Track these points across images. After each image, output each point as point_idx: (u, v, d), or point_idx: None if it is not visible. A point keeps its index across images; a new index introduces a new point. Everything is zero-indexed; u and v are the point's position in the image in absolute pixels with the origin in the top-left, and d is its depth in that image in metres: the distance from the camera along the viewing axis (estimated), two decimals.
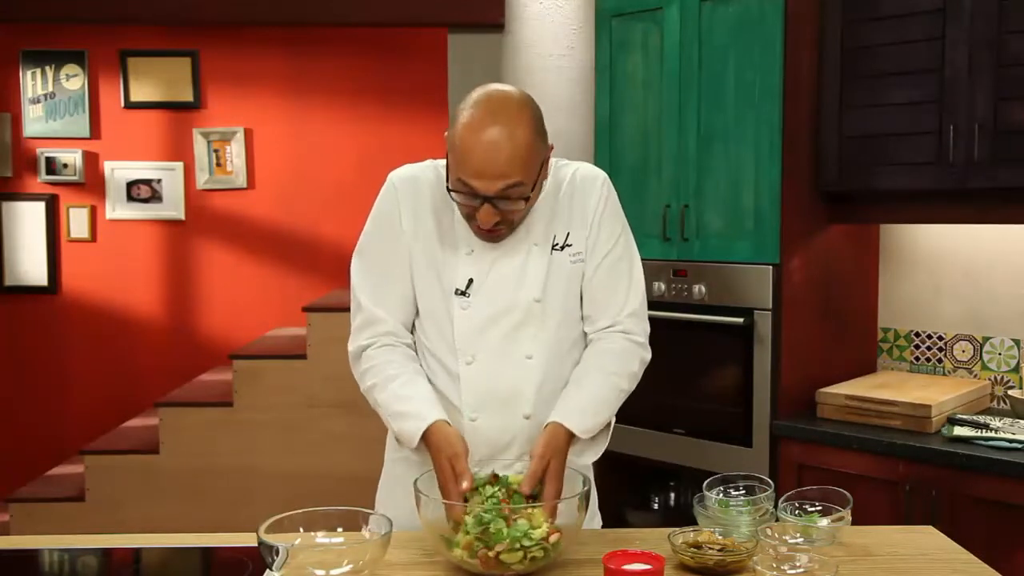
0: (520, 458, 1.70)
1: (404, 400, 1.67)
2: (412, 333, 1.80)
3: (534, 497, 1.53)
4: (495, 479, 1.56)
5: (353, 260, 1.80)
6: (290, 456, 3.97)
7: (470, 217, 1.66)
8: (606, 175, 1.82)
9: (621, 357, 1.75)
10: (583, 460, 1.72)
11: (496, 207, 1.60)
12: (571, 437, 1.62)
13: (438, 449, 1.57)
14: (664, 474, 3.33)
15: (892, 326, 3.19)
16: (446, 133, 1.64)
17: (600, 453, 1.75)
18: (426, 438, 1.60)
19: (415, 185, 1.76)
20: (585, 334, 1.80)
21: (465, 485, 1.50)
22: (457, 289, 1.72)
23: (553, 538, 1.44)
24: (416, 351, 1.79)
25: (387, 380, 1.69)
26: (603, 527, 1.86)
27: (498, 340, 1.71)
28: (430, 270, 1.74)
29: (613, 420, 1.76)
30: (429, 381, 1.73)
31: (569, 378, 1.74)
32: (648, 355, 1.80)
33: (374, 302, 1.75)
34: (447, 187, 1.65)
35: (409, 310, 1.77)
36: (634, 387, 1.77)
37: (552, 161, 1.79)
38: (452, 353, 1.72)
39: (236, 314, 4.90)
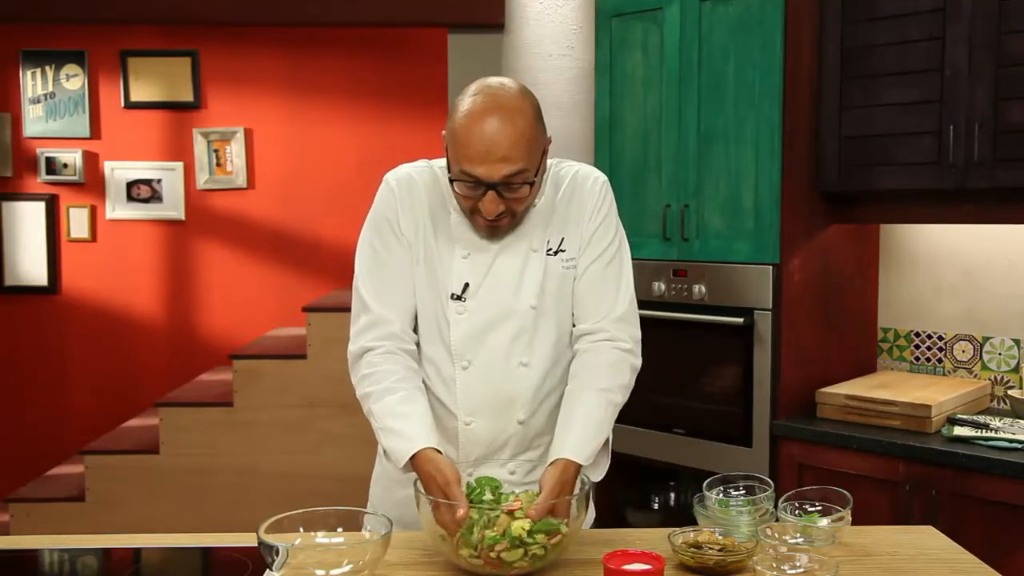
0: (513, 457, 1.70)
1: (399, 417, 1.60)
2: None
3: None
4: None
5: (356, 262, 1.76)
6: (290, 456, 3.97)
7: (473, 210, 1.63)
8: (606, 178, 1.79)
9: (612, 369, 1.69)
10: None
11: (500, 195, 1.58)
12: (579, 468, 1.57)
13: (430, 477, 1.51)
14: (664, 474, 3.33)
15: (892, 326, 3.19)
16: (443, 132, 1.63)
17: (603, 473, 1.71)
18: (415, 463, 1.54)
19: (411, 186, 1.73)
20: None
21: (461, 513, 1.44)
22: (453, 294, 1.70)
23: (554, 539, 1.44)
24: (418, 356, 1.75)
25: (385, 391, 1.63)
26: (603, 527, 1.85)
27: (494, 346, 1.69)
28: (427, 273, 1.72)
29: (611, 436, 1.72)
30: (424, 384, 1.70)
31: (563, 390, 1.70)
32: (638, 362, 1.75)
33: (380, 303, 1.70)
34: (449, 178, 1.63)
35: (412, 312, 1.73)
36: (627, 398, 1.73)
37: (552, 161, 1.77)
38: (448, 357, 1.71)
39: (236, 314, 4.90)
